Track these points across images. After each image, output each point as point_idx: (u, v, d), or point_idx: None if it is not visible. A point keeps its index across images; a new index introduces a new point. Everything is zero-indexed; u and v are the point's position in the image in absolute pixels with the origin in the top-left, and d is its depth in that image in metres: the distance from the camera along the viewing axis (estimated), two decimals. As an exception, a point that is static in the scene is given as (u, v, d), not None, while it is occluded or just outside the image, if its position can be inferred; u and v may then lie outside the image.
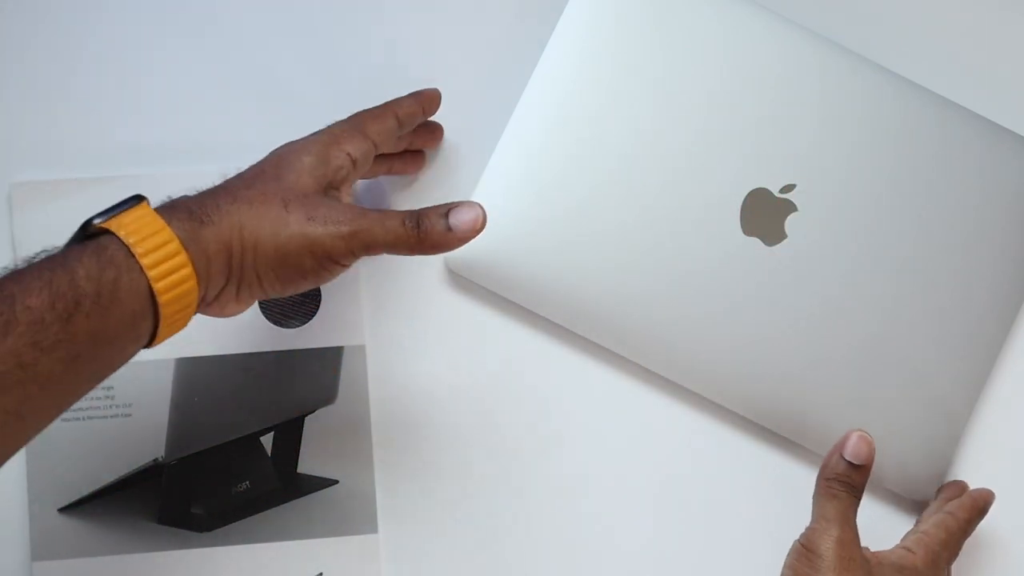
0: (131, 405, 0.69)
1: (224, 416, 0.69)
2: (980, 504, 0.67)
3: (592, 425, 0.71)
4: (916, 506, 0.72)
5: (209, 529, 0.69)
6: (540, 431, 0.71)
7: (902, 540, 0.65)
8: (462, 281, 0.71)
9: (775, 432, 0.71)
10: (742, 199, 0.70)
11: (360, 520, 0.69)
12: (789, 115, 0.70)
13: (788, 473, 0.72)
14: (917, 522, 0.70)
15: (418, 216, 0.57)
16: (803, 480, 0.72)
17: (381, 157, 0.69)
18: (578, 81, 0.70)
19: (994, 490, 0.68)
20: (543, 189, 0.69)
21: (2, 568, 0.67)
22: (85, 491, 0.68)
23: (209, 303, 0.57)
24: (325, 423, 0.70)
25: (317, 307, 0.70)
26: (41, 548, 0.67)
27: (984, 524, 0.67)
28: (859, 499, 0.61)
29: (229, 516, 0.69)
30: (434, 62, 0.73)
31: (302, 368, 0.70)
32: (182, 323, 0.55)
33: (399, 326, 0.71)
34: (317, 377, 0.70)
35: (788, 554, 0.61)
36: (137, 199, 0.54)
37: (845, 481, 0.61)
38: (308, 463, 0.70)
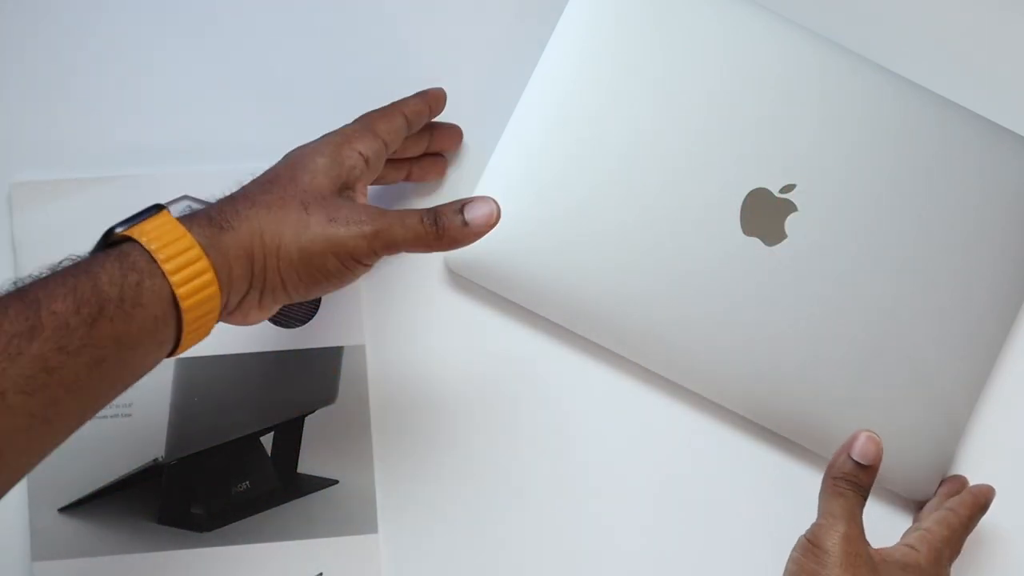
0: (131, 405, 0.69)
1: (224, 416, 0.69)
2: (981, 501, 0.67)
3: (592, 425, 0.71)
4: (916, 506, 0.71)
5: (209, 529, 0.69)
6: (540, 431, 0.71)
7: (904, 537, 0.65)
8: (462, 281, 0.71)
9: (775, 432, 0.71)
10: (742, 199, 0.70)
11: (360, 520, 0.69)
12: (789, 115, 0.70)
13: (788, 473, 0.72)
14: (916, 518, 0.70)
15: (435, 213, 0.58)
16: (803, 480, 0.72)
17: (400, 162, 0.70)
18: (578, 81, 0.70)
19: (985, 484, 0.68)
20: (543, 189, 0.69)
21: (2, 568, 0.67)
22: (85, 491, 0.68)
23: (232, 311, 0.58)
24: (325, 423, 0.70)
25: (317, 307, 0.70)
26: (41, 548, 0.67)
27: (984, 522, 0.68)
28: (865, 498, 0.61)
29: (229, 516, 0.69)
30: (434, 62, 0.73)
31: (302, 368, 0.70)
32: (205, 330, 0.55)
33: (399, 326, 0.71)
34: (317, 377, 0.70)
35: (793, 549, 0.61)
36: (157, 207, 0.55)
37: (852, 480, 0.61)
38: (308, 463, 0.70)
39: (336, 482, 0.70)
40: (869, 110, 0.71)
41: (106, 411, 0.68)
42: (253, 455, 0.70)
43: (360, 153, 0.62)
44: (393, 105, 0.67)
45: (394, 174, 0.70)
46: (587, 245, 0.69)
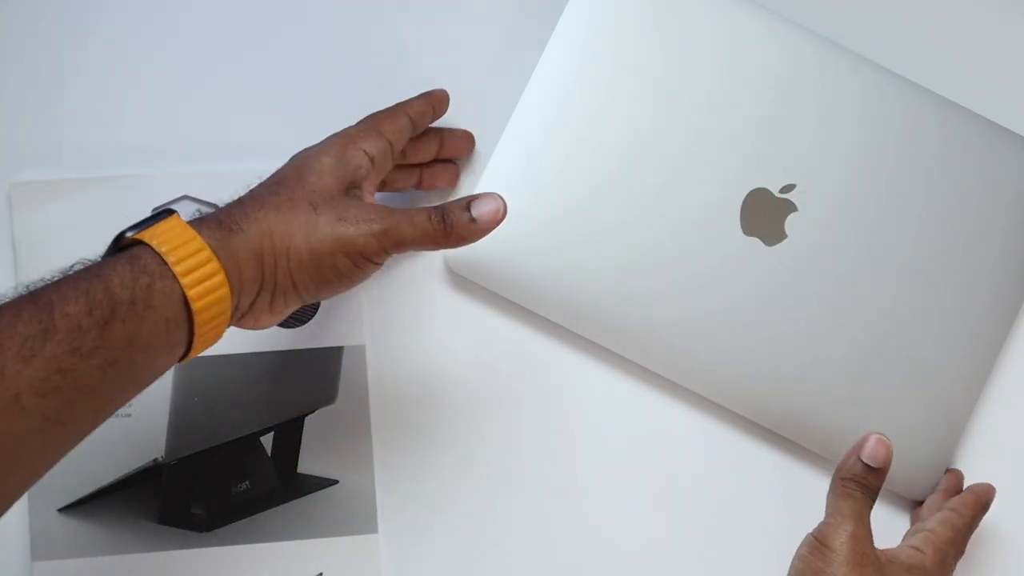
0: (131, 405, 0.68)
1: (224, 416, 0.69)
2: (983, 501, 0.67)
3: (592, 425, 0.72)
4: (913, 504, 0.72)
5: (209, 529, 0.69)
6: (540, 431, 0.71)
7: (908, 538, 0.65)
8: (462, 281, 0.71)
9: (775, 432, 0.71)
10: (742, 199, 0.70)
11: (360, 520, 0.69)
12: (789, 115, 0.70)
13: (788, 473, 0.72)
14: (914, 516, 0.70)
15: (442, 211, 0.59)
16: (803, 480, 0.72)
17: (410, 168, 0.70)
18: (578, 81, 0.70)
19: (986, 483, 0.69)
20: (543, 189, 0.69)
21: (2, 568, 0.67)
22: (85, 491, 0.68)
23: (243, 314, 0.58)
24: (325, 423, 0.70)
25: (317, 307, 0.71)
26: (41, 548, 0.67)
27: (984, 522, 0.68)
28: (874, 500, 0.62)
29: (229, 516, 0.69)
30: (434, 62, 0.73)
31: (302, 368, 0.70)
32: (216, 334, 0.56)
33: (399, 326, 0.71)
34: (317, 377, 0.70)
35: (800, 546, 0.61)
36: (167, 212, 0.55)
37: (860, 482, 0.61)
38: (308, 463, 0.70)
39: (336, 482, 0.70)
40: (869, 110, 0.71)
41: (106, 411, 0.68)
42: (253, 455, 0.70)
43: (365, 152, 0.62)
44: (397, 106, 0.67)
45: (405, 180, 0.70)
46: (587, 245, 0.69)
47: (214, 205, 0.70)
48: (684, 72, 0.70)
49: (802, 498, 0.71)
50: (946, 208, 0.71)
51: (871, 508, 0.61)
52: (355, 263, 0.58)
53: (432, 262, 0.72)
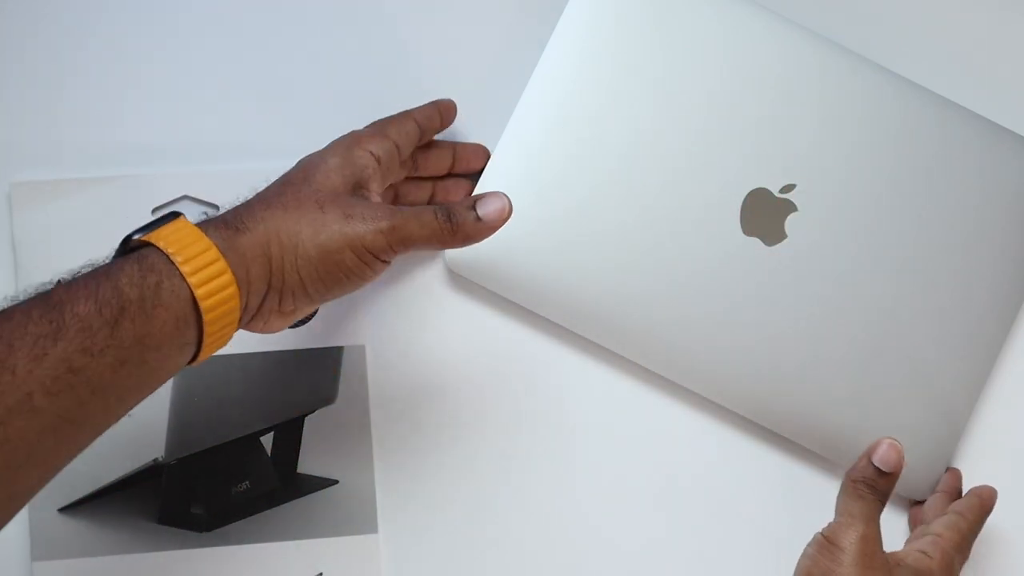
0: (131, 405, 0.69)
1: (224, 416, 0.69)
2: (987, 504, 0.68)
3: (592, 425, 0.72)
4: (909, 503, 0.72)
5: (209, 529, 0.69)
6: (540, 431, 0.71)
7: (914, 541, 0.65)
8: (462, 281, 0.71)
9: (775, 432, 0.71)
10: (742, 199, 0.70)
11: (360, 520, 0.69)
12: (789, 115, 0.70)
13: (788, 473, 0.72)
14: (912, 516, 0.70)
15: (448, 210, 0.60)
16: (803, 480, 0.72)
17: (423, 181, 0.71)
18: (578, 81, 0.70)
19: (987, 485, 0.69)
20: (543, 189, 0.69)
21: (2, 568, 0.68)
22: (85, 491, 0.68)
23: (252, 315, 0.58)
24: (325, 423, 0.70)
25: (317, 307, 0.70)
26: (41, 548, 0.67)
27: (985, 523, 0.67)
28: (884, 503, 0.62)
29: (229, 516, 0.69)
30: (434, 62, 0.73)
31: (302, 368, 0.70)
32: (226, 334, 0.56)
33: (399, 326, 0.71)
34: (317, 377, 0.70)
35: (808, 545, 0.61)
36: (174, 215, 0.56)
37: (872, 485, 0.61)
38: (308, 463, 0.70)
39: (336, 482, 0.70)
40: (869, 110, 0.71)
41: (106, 411, 0.68)
42: (253, 455, 0.70)
43: (371, 153, 0.63)
44: (404, 112, 0.68)
45: (418, 193, 0.71)
46: (587, 245, 0.69)
47: (214, 205, 0.70)
48: (684, 72, 0.70)
49: (802, 498, 0.72)
50: (946, 208, 0.71)
51: (881, 511, 0.62)
52: (363, 260, 0.59)
53: (432, 262, 0.72)
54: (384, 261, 0.60)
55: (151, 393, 0.54)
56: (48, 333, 0.49)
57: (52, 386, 0.49)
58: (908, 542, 0.66)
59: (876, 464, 0.61)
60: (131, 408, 0.53)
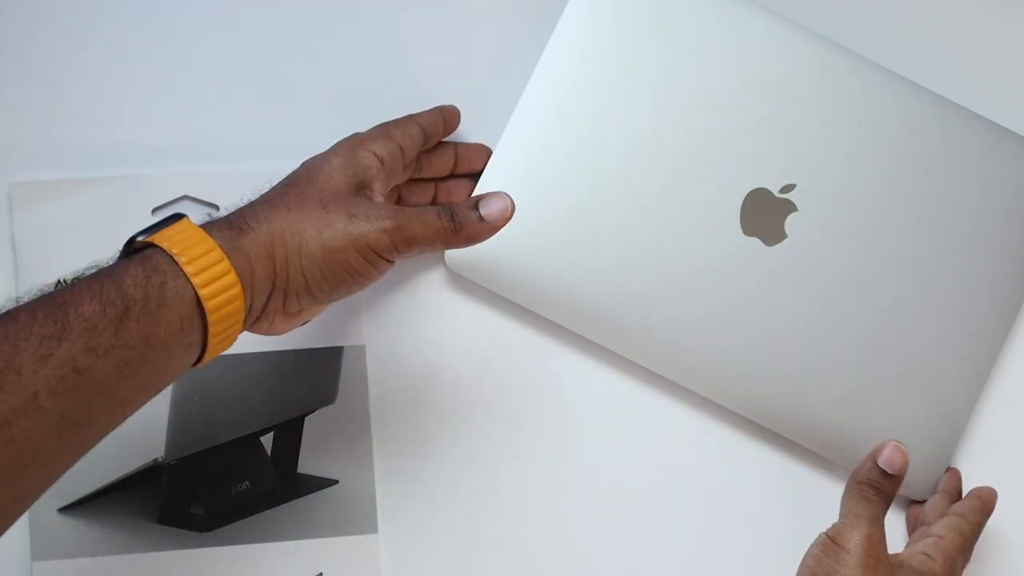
0: (131, 405, 0.69)
1: (224, 416, 0.70)
2: (989, 506, 0.68)
3: (592, 425, 0.72)
4: (907, 503, 0.72)
5: (209, 529, 0.69)
6: (540, 431, 0.71)
7: (916, 543, 0.65)
8: (462, 281, 0.71)
9: (775, 432, 0.71)
10: (742, 199, 0.70)
11: (360, 520, 0.70)
12: (789, 115, 0.70)
13: (788, 473, 0.72)
14: (910, 510, 0.70)
15: (451, 210, 0.60)
16: (803, 480, 0.72)
17: (426, 183, 0.71)
18: (578, 81, 0.70)
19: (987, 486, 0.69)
20: (543, 189, 0.70)
21: (2, 568, 0.68)
22: (85, 491, 0.68)
23: (257, 317, 0.59)
24: (325, 423, 0.70)
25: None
26: (41, 548, 0.68)
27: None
28: (888, 505, 0.62)
29: (229, 516, 0.69)
30: (434, 62, 0.73)
31: (302, 368, 0.70)
32: (230, 335, 0.56)
33: (399, 326, 0.72)
34: (317, 377, 0.70)
35: (812, 545, 0.61)
36: (177, 216, 0.56)
37: (876, 487, 0.62)
38: (308, 463, 0.70)
39: (336, 482, 0.70)
40: (869, 110, 0.71)
41: (106, 411, 0.68)
42: (253, 455, 0.70)
43: (375, 154, 0.63)
44: (408, 116, 0.68)
45: (420, 195, 0.71)
46: (587, 245, 0.69)
47: (214, 205, 0.71)
48: (684, 72, 0.70)
49: (802, 498, 0.72)
50: (946, 208, 0.71)
51: (885, 512, 0.62)
52: (367, 260, 0.59)
53: (432, 263, 0.72)
54: (388, 261, 0.60)
55: (156, 395, 0.54)
56: (53, 334, 0.49)
57: (57, 386, 0.49)
58: (909, 543, 0.66)
59: (881, 466, 0.62)
60: (136, 409, 0.54)
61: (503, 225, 0.61)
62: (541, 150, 0.70)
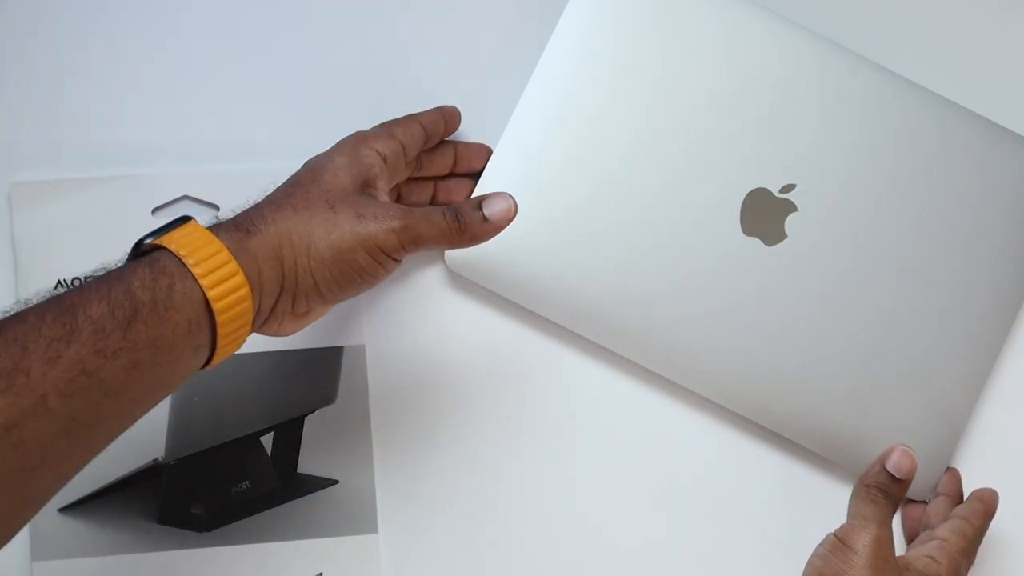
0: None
1: (224, 416, 0.70)
2: (991, 509, 0.68)
3: (592, 425, 0.72)
4: (908, 503, 0.72)
5: (209, 529, 0.69)
6: (540, 431, 0.72)
7: (920, 546, 0.65)
8: (462, 281, 0.71)
9: (775, 432, 0.71)
10: (742, 199, 0.70)
11: (360, 520, 0.70)
12: (789, 115, 0.70)
13: (788, 473, 0.72)
14: (905, 509, 0.70)
15: (456, 210, 0.61)
16: (803, 480, 0.72)
17: (425, 182, 0.71)
18: (578, 81, 0.70)
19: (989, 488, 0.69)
20: (543, 189, 0.70)
21: (2, 568, 0.68)
22: (85, 491, 0.68)
23: (266, 318, 0.59)
24: (325, 423, 0.70)
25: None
26: (41, 548, 0.68)
27: (985, 523, 0.68)
28: (896, 508, 0.63)
29: (229, 516, 0.69)
30: (434, 62, 0.74)
31: (302, 368, 0.70)
32: (239, 336, 0.57)
33: (399, 326, 0.72)
34: (317, 377, 0.70)
35: (820, 545, 0.62)
36: (185, 219, 0.56)
37: (885, 490, 0.62)
38: (308, 463, 0.70)
39: (336, 482, 0.70)
40: (869, 110, 0.71)
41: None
42: (253, 455, 0.70)
43: (378, 152, 0.63)
44: (409, 115, 0.69)
45: (420, 193, 0.72)
46: (587, 245, 0.70)
47: (214, 205, 0.71)
48: (684, 72, 0.70)
49: (802, 498, 0.72)
50: (946, 208, 0.71)
51: (893, 515, 0.63)
52: (376, 259, 0.59)
53: (432, 263, 0.72)
54: (396, 260, 0.60)
55: (165, 397, 0.55)
56: (62, 336, 0.49)
57: (66, 388, 0.49)
58: (913, 546, 0.66)
59: (890, 470, 0.62)
60: (145, 411, 0.54)
61: (506, 225, 0.61)
62: (541, 150, 0.70)
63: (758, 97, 0.71)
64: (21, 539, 0.68)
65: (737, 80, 0.71)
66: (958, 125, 0.72)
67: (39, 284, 0.67)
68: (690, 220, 0.70)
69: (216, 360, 0.56)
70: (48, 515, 0.68)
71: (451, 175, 0.72)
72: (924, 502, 0.71)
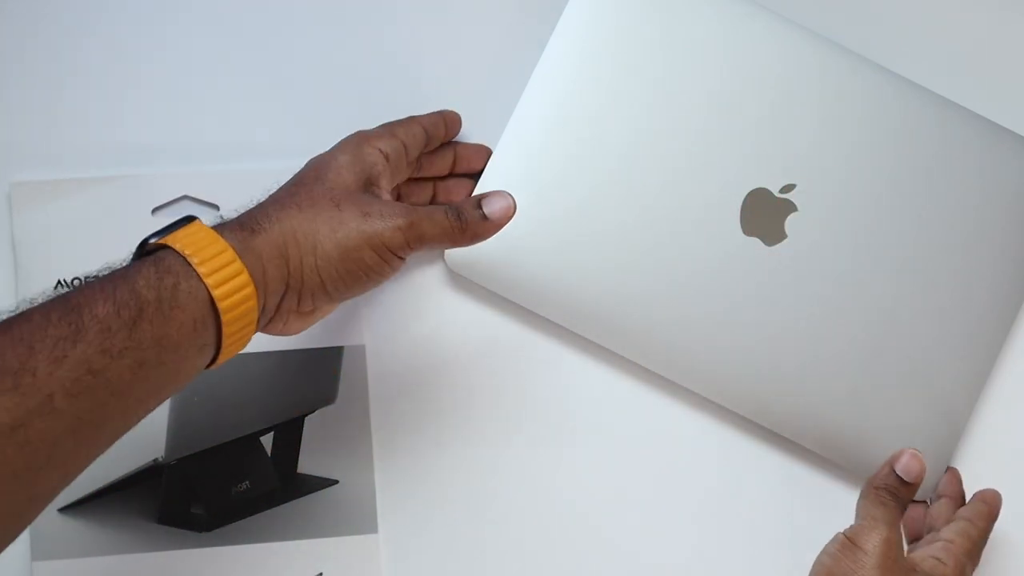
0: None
1: (224, 416, 0.70)
2: (995, 511, 0.68)
3: (592, 425, 0.72)
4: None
5: (209, 529, 0.69)
6: (540, 431, 0.72)
7: (924, 546, 0.65)
8: (462, 281, 0.71)
9: (775, 432, 0.71)
10: (742, 199, 0.70)
11: (360, 520, 0.70)
12: (789, 115, 0.70)
13: (788, 473, 0.72)
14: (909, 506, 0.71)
15: (457, 209, 0.61)
16: (803, 480, 0.72)
17: (424, 182, 0.72)
18: (578, 81, 0.70)
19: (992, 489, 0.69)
20: (543, 189, 0.70)
21: (2, 568, 0.68)
22: (85, 491, 0.69)
23: (271, 317, 0.59)
24: (325, 423, 0.70)
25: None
26: (41, 548, 0.68)
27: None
28: (904, 511, 0.64)
29: (229, 516, 0.70)
30: (434, 62, 0.74)
31: (302, 368, 0.70)
32: (244, 335, 0.57)
33: (399, 326, 0.72)
34: (317, 377, 0.70)
35: (829, 543, 0.62)
36: (189, 218, 0.57)
37: (893, 492, 0.62)
38: (308, 463, 0.70)
39: (336, 482, 0.70)
40: (869, 110, 0.71)
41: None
42: (253, 455, 0.70)
43: (380, 150, 0.64)
44: (410, 116, 0.69)
45: (419, 194, 0.72)
46: (587, 245, 0.70)
47: (214, 205, 0.71)
48: (684, 72, 0.70)
49: (802, 498, 0.72)
50: (946, 208, 0.71)
51: (901, 518, 0.63)
52: (382, 257, 0.60)
53: (432, 263, 0.72)
54: (401, 258, 0.61)
55: (170, 396, 0.55)
56: (68, 335, 0.50)
57: (72, 388, 0.49)
58: (918, 547, 0.66)
59: (899, 473, 0.62)
60: (150, 410, 0.54)
61: (505, 223, 0.62)
62: (541, 150, 0.70)
63: (758, 97, 0.71)
64: (21, 539, 0.68)
65: (737, 80, 0.71)
66: (958, 125, 0.72)
67: (39, 284, 0.67)
68: (690, 220, 0.70)
69: (221, 359, 0.56)
70: (48, 515, 0.68)
71: (450, 175, 0.73)
72: (925, 503, 0.71)
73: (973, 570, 0.65)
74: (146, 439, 0.69)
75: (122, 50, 0.73)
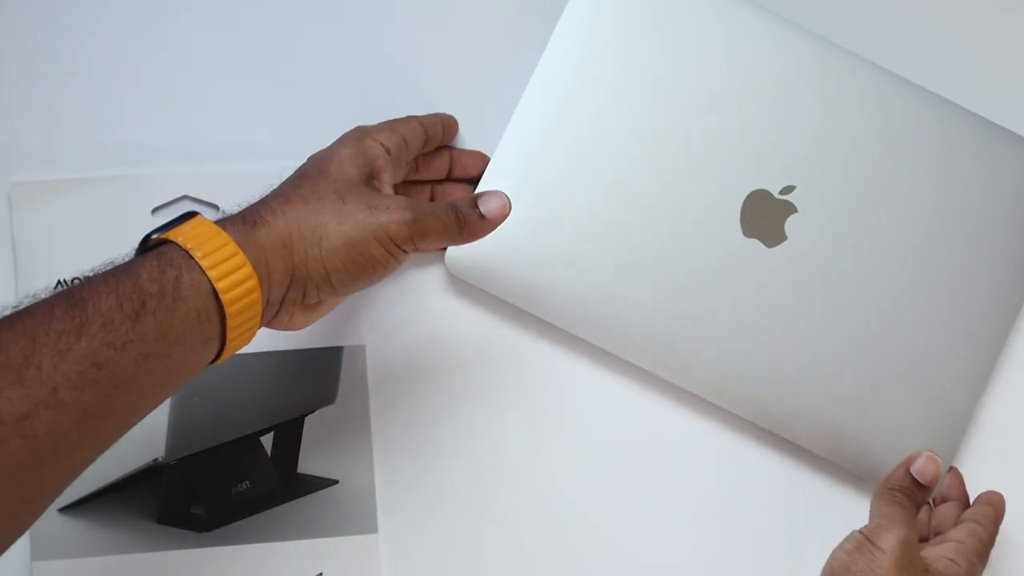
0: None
1: (224, 416, 0.70)
2: (1000, 513, 0.69)
3: (592, 426, 0.72)
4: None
5: (209, 529, 0.69)
6: (539, 432, 0.72)
7: (937, 546, 0.65)
8: (461, 282, 0.71)
9: (776, 434, 0.71)
10: (742, 200, 0.70)
11: (360, 520, 0.70)
12: (789, 115, 0.70)
13: (788, 474, 0.73)
14: (923, 504, 0.71)
15: (455, 207, 0.62)
16: (803, 481, 0.72)
17: (422, 185, 0.72)
18: (578, 81, 0.70)
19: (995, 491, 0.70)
20: (543, 189, 0.69)
21: (2, 568, 0.68)
22: (85, 491, 0.69)
23: (276, 311, 0.60)
24: (325, 423, 0.70)
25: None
26: (41, 548, 0.68)
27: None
28: (918, 512, 0.64)
29: (229, 516, 0.70)
30: (434, 62, 0.74)
31: (302, 368, 0.70)
32: (249, 328, 0.57)
33: (399, 326, 0.72)
34: (317, 377, 0.70)
35: (845, 540, 0.62)
36: (191, 214, 0.57)
37: (908, 494, 0.63)
38: (308, 463, 0.70)
39: (336, 482, 0.70)
40: (869, 110, 0.71)
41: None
42: (253, 455, 0.70)
43: (381, 144, 0.65)
44: (409, 116, 0.70)
45: (416, 196, 0.72)
46: (587, 246, 0.70)
47: (214, 205, 0.71)
48: (684, 72, 0.70)
49: (802, 499, 0.72)
50: (946, 208, 0.71)
51: (915, 519, 0.63)
52: (388, 250, 0.60)
53: (432, 264, 0.72)
54: (405, 252, 0.61)
55: (176, 390, 0.55)
56: (72, 329, 0.50)
57: (77, 381, 0.50)
58: (927, 547, 0.66)
59: (914, 475, 0.63)
60: (156, 404, 0.54)
61: (502, 221, 0.63)
62: (541, 150, 0.70)
63: (758, 97, 0.71)
64: (21, 539, 0.68)
65: (737, 80, 0.71)
66: (958, 125, 0.72)
67: (39, 284, 0.67)
68: (690, 221, 0.70)
69: (227, 353, 0.57)
70: (48, 515, 0.67)
71: (447, 180, 0.73)
72: (929, 504, 0.71)
73: (982, 571, 0.66)
74: (146, 439, 0.69)
75: (122, 50, 0.73)
